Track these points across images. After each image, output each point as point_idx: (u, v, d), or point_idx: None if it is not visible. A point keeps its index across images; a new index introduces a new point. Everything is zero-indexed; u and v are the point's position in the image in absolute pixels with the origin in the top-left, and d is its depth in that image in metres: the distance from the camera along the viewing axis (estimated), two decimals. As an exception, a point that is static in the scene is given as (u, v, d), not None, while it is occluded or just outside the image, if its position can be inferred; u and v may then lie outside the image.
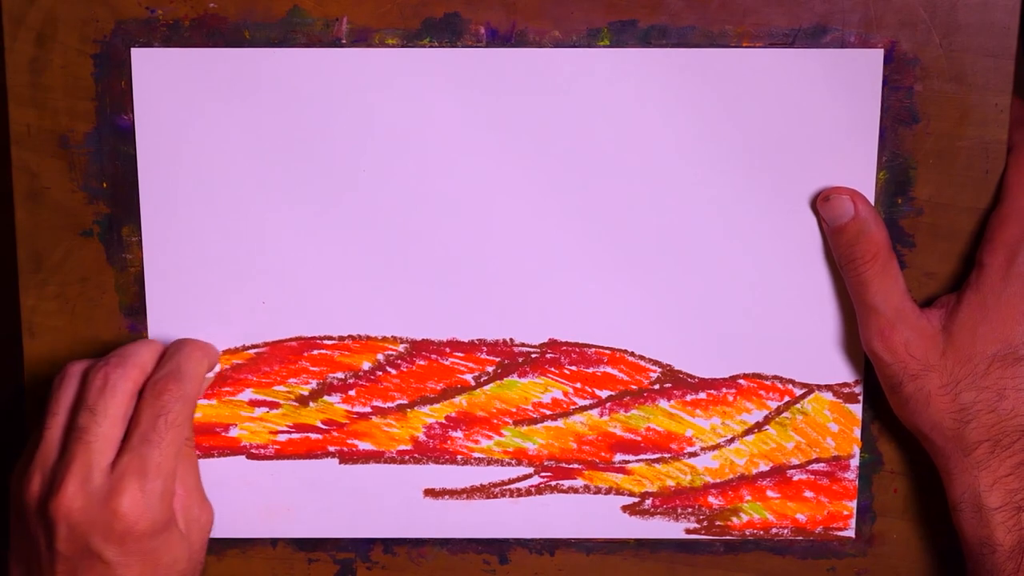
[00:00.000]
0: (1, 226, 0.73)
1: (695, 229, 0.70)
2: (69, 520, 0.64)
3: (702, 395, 0.72)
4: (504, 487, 0.73)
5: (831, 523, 0.73)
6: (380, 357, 0.71)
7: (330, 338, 0.71)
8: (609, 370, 0.72)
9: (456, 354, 0.72)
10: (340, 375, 0.72)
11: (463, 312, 0.71)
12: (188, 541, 0.68)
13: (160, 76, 0.68)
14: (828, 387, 0.72)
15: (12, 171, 0.69)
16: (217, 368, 0.71)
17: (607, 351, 0.71)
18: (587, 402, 0.72)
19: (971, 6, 0.66)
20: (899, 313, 0.67)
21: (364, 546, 0.74)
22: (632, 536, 0.74)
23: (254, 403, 0.72)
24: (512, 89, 0.68)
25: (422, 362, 0.72)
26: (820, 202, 0.68)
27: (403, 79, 0.68)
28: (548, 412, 0.72)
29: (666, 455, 0.73)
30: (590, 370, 0.72)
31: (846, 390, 0.71)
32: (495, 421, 0.72)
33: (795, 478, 0.73)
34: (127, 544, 0.64)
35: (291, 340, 0.71)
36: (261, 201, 0.69)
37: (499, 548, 0.74)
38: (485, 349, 0.71)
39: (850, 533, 0.73)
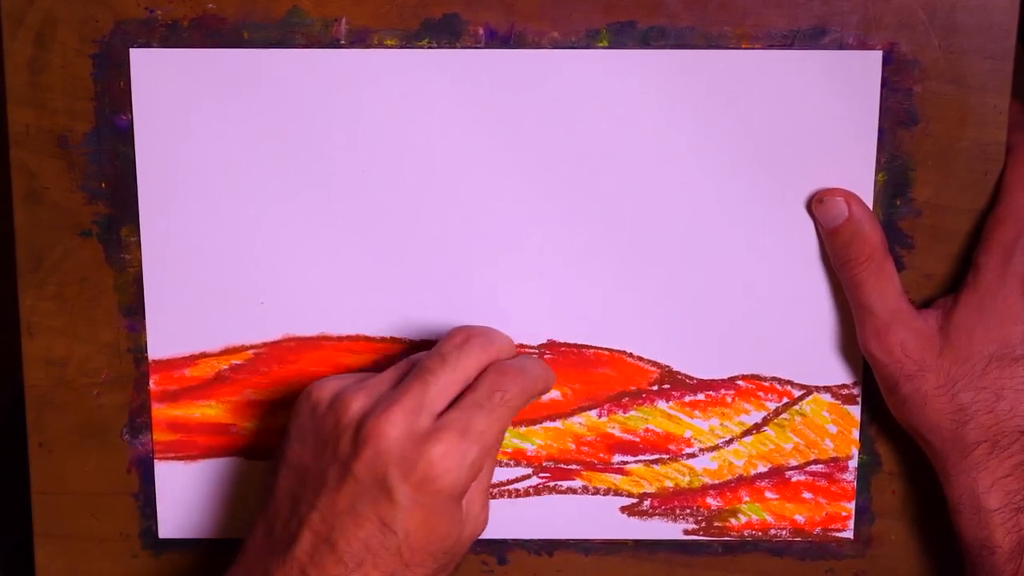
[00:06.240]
0: (0, 226, 0.73)
1: (694, 230, 0.70)
2: (379, 444, 0.62)
3: (701, 396, 0.72)
4: (503, 488, 0.73)
5: (829, 524, 0.73)
6: (379, 358, 0.71)
7: (329, 338, 0.71)
8: (608, 371, 0.72)
9: (455, 355, 0.71)
10: (339, 375, 0.72)
11: (462, 313, 0.71)
12: (462, 528, 0.66)
13: (159, 76, 0.68)
14: (827, 388, 0.72)
15: (11, 171, 0.69)
16: (552, 394, 0.71)
17: (606, 352, 0.71)
18: (586, 403, 0.72)
19: (970, 8, 0.66)
20: (895, 314, 0.67)
21: (362, 546, 0.74)
22: (631, 537, 0.74)
23: (254, 403, 0.72)
24: (511, 90, 0.68)
25: (421, 363, 0.72)
26: (814, 204, 0.68)
27: (402, 80, 0.68)
28: (546, 413, 0.72)
29: (664, 456, 0.73)
30: (589, 371, 0.72)
31: (845, 391, 0.71)
32: (494, 422, 0.72)
33: (793, 479, 0.73)
34: (421, 492, 0.62)
35: (290, 340, 0.71)
36: (260, 201, 0.70)
37: (498, 549, 0.74)
38: (484, 350, 0.71)
39: (848, 534, 0.73)
